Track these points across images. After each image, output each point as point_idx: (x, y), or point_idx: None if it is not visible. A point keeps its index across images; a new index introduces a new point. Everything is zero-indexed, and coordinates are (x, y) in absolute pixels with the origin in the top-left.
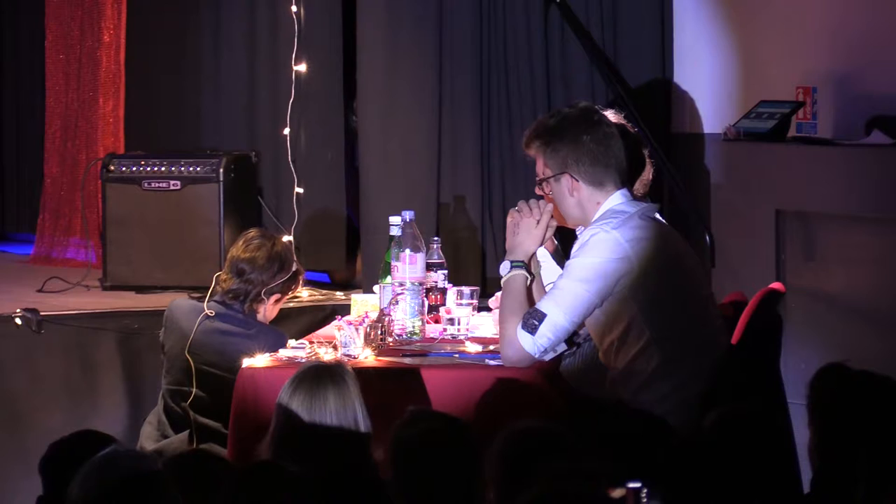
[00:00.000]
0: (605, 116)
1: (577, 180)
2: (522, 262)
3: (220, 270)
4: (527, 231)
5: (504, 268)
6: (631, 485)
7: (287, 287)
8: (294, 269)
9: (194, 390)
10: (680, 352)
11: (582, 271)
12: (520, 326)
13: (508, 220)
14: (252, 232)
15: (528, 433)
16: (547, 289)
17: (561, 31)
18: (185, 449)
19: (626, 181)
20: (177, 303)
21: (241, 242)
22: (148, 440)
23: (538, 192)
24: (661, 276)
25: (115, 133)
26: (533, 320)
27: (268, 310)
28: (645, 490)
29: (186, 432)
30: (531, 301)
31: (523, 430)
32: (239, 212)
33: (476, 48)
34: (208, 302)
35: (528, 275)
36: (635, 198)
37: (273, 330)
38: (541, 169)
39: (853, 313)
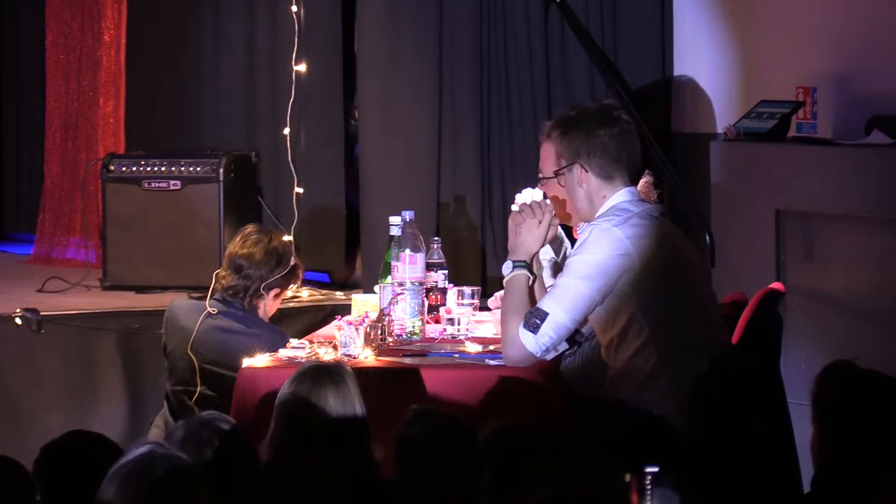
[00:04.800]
0: (625, 114)
1: (587, 171)
2: (525, 261)
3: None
4: (529, 231)
5: (506, 267)
6: (648, 469)
7: (286, 281)
8: (292, 263)
9: (199, 388)
10: (679, 351)
11: (583, 268)
12: (521, 326)
13: (510, 220)
14: (249, 228)
15: (511, 431)
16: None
17: (561, 31)
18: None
19: (637, 180)
20: (177, 303)
21: (238, 239)
22: None
23: (540, 187)
24: (662, 274)
25: (116, 133)
26: (535, 319)
27: (268, 305)
28: (649, 477)
29: None
30: (533, 301)
31: (503, 429)
32: (239, 212)
33: (476, 48)
34: (209, 300)
35: (530, 275)
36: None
37: (275, 329)
38: (547, 163)
39: (853, 313)
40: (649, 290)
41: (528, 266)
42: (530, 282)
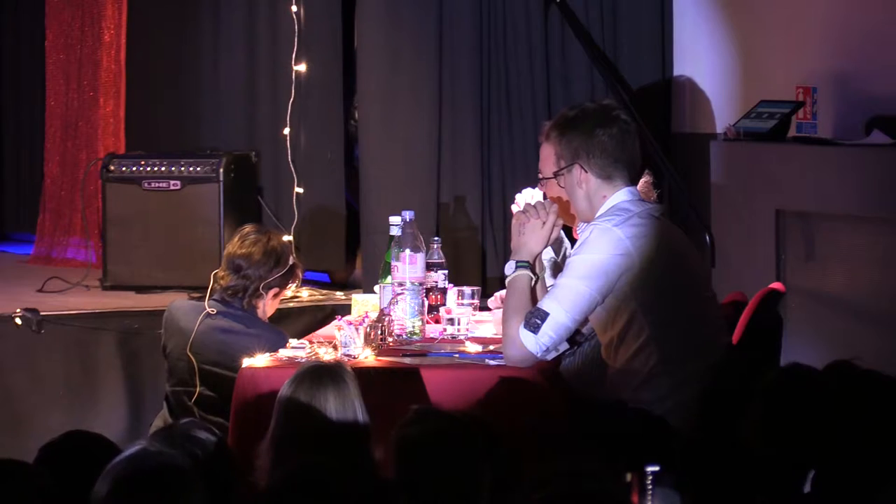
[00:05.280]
0: (624, 113)
1: (586, 171)
2: (527, 262)
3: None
4: (532, 231)
5: (509, 267)
6: (649, 468)
7: (285, 281)
8: (291, 262)
9: (198, 389)
10: (679, 351)
11: (583, 268)
12: (522, 326)
13: (514, 220)
14: (247, 227)
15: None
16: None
17: (561, 31)
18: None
19: (637, 180)
20: (176, 304)
21: (236, 239)
22: None
23: (540, 188)
24: (662, 273)
25: (116, 133)
26: (535, 319)
27: (267, 304)
28: (650, 477)
29: None
30: (535, 301)
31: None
32: (239, 212)
33: (476, 48)
34: (208, 300)
35: (532, 275)
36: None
37: (274, 329)
38: (547, 164)
39: (853, 313)
40: (649, 290)
41: (531, 266)
42: (532, 282)
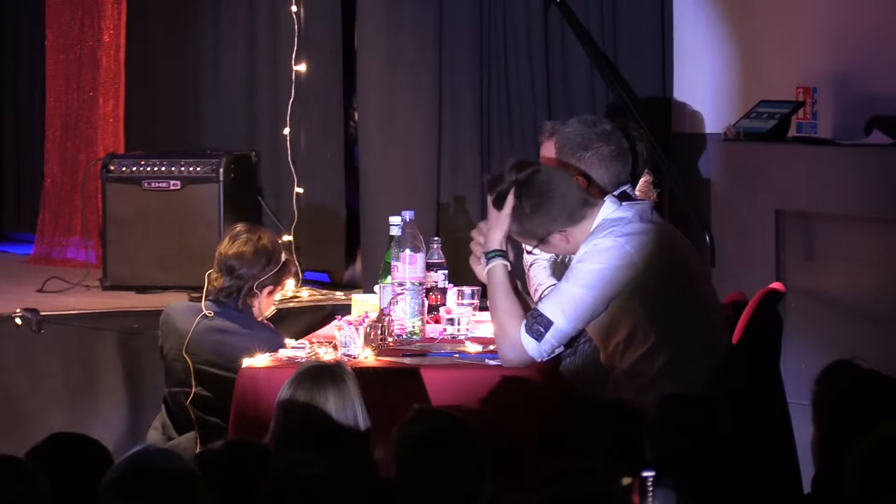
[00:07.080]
0: (536, 160)
1: (564, 230)
2: (500, 250)
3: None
4: (494, 220)
5: (482, 259)
6: (644, 473)
7: (278, 278)
8: (283, 259)
9: (194, 389)
10: (684, 352)
11: (587, 277)
12: (524, 330)
13: (475, 242)
14: (238, 227)
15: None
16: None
17: (561, 31)
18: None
19: (619, 186)
20: (172, 305)
21: (226, 239)
22: None
23: None
24: (665, 277)
25: (115, 133)
26: (539, 327)
27: (262, 303)
28: (651, 478)
29: (193, 433)
30: (516, 291)
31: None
32: (239, 212)
33: (476, 48)
34: (204, 302)
35: (507, 263)
36: (628, 197)
37: (270, 328)
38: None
39: (853, 313)
40: (653, 295)
41: (505, 254)
42: (508, 269)
